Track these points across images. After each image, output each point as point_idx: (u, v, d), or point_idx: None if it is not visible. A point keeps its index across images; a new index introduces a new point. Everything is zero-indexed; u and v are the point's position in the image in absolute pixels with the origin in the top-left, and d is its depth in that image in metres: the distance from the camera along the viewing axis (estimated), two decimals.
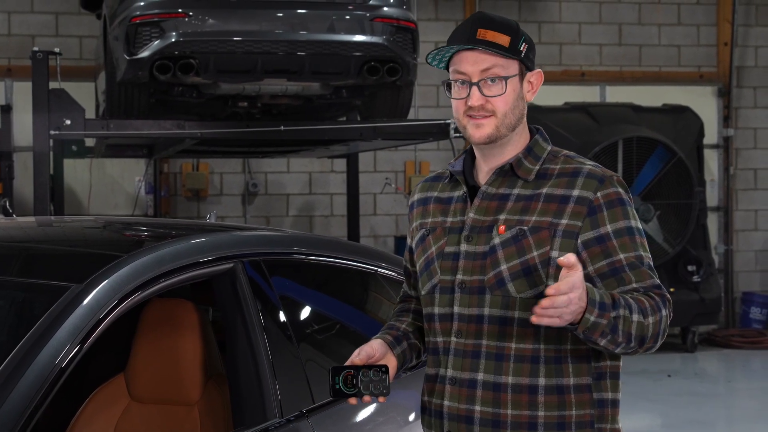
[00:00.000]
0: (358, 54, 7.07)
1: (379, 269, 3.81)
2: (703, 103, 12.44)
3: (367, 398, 2.62)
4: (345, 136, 8.06)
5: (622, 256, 2.57)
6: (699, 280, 11.12)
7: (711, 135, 12.36)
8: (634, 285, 2.56)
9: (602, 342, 2.48)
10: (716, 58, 12.67)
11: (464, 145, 10.44)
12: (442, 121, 7.86)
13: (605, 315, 2.44)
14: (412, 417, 3.53)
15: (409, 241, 2.89)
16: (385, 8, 7.17)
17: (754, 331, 12.12)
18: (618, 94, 12.35)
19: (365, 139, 8.01)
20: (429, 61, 2.70)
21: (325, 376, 2.69)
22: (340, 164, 11.20)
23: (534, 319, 2.41)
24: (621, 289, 2.56)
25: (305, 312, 3.62)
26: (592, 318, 2.43)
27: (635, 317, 2.48)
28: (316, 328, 3.62)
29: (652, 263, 2.62)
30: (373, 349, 2.69)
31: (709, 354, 11.50)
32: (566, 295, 2.36)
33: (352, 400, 2.62)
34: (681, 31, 12.64)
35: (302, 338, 3.42)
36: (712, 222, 12.43)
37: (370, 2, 7.15)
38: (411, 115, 8.55)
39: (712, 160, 12.59)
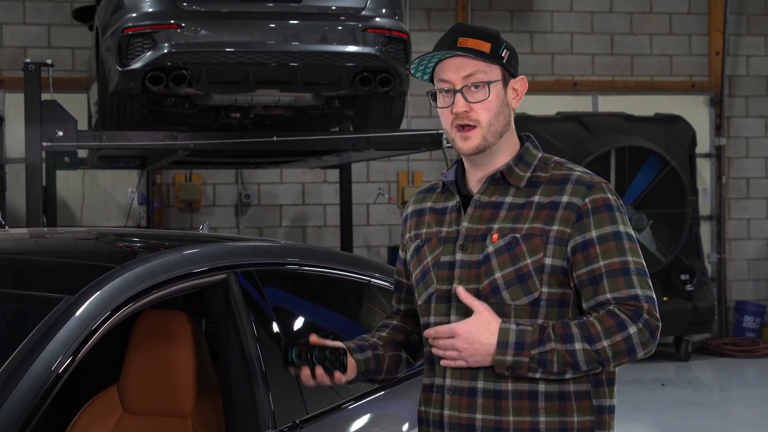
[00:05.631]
0: (350, 65, 7.07)
1: (372, 279, 3.81)
2: (696, 112, 12.46)
3: (319, 371, 2.64)
4: (338, 147, 8.05)
5: (602, 263, 2.59)
6: (692, 289, 11.11)
7: (703, 144, 12.38)
8: (608, 296, 2.58)
9: (537, 375, 2.55)
10: (708, 67, 12.70)
11: (457, 154, 10.45)
12: (435, 131, 7.86)
13: (524, 353, 2.52)
14: (405, 427, 3.52)
15: (402, 253, 2.91)
16: (378, 19, 7.17)
17: (748, 340, 12.13)
18: (610, 104, 12.38)
19: (358, 149, 8.01)
20: (411, 71, 2.74)
21: (317, 387, 2.69)
22: (333, 175, 11.20)
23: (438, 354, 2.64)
24: (595, 300, 2.59)
25: (298, 322, 3.62)
26: (508, 358, 2.53)
27: (578, 346, 2.53)
28: None
29: (643, 268, 2.63)
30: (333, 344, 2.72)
31: (703, 363, 11.50)
32: (448, 341, 2.57)
33: (305, 371, 2.64)
34: (673, 40, 12.67)
35: None
36: (705, 231, 12.44)
37: (363, 13, 7.15)
38: (403, 125, 8.55)
39: (704, 169, 12.61)
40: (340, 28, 7.12)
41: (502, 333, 2.53)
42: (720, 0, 12.57)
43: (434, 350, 2.62)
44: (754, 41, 12.85)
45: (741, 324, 12.41)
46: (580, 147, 10.90)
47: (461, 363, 2.57)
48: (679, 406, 9.17)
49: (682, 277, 11.13)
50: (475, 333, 2.53)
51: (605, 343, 2.54)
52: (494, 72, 2.66)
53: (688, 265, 11.18)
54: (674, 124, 11.70)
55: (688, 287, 11.11)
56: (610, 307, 2.57)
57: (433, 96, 2.73)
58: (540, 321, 2.59)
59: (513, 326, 2.55)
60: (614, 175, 10.80)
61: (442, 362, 2.63)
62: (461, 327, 2.55)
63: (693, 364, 11.36)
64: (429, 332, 2.63)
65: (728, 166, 12.73)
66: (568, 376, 2.57)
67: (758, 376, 11.00)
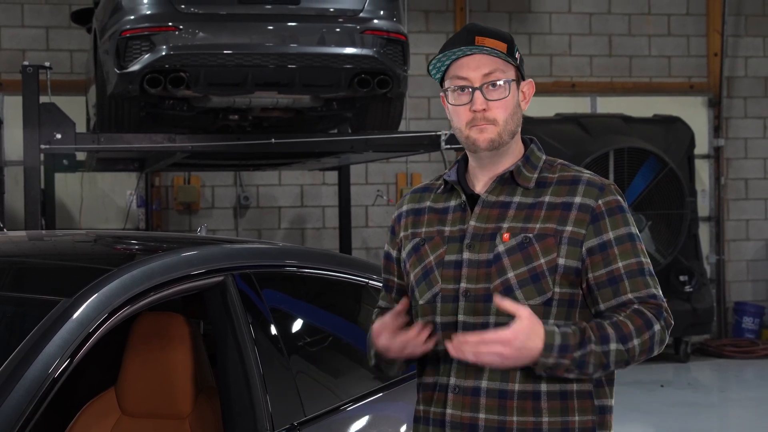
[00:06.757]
0: (348, 66, 7.07)
1: (370, 281, 3.81)
2: (694, 113, 12.46)
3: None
4: (336, 149, 8.05)
5: (621, 264, 2.62)
6: (691, 290, 11.12)
7: (702, 145, 12.38)
8: (630, 296, 2.61)
9: (571, 376, 2.56)
10: (706, 68, 12.70)
11: (455, 156, 10.45)
12: (433, 133, 7.87)
13: (567, 356, 2.52)
14: (403, 428, 3.52)
15: (393, 252, 2.87)
16: (376, 21, 7.18)
17: (747, 341, 12.13)
18: (609, 105, 12.38)
19: (356, 151, 8.01)
20: (431, 71, 2.71)
21: (315, 389, 2.69)
22: (332, 177, 11.20)
23: (452, 352, 2.53)
24: (617, 301, 2.61)
25: (296, 324, 3.62)
26: (550, 361, 2.52)
27: (613, 346, 2.55)
28: (307, 340, 3.61)
29: (651, 269, 2.68)
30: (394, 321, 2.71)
31: (702, 364, 11.50)
32: (493, 347, 2.48)
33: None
34: (671, 41, 12.67)
35: (293, 351, 3.41)
36: (704, 232, 12.44)
37: (361, 15, 7.15)
38: (402, 127, 8.55)
39: (703, 170, 12.61)
40: (338, 29, 7.12)
41: (548, 336, 2.50)
42: (718, 1, 12.57)
43: (468, 355, 2.51)
44: (753, 42, 12.85)
45: (740, 325, 12.41)
46: (579, 148, 10.90)
47: (497, 365, 2.53)
48: (679, 407, 9.17)
49: (681, 278, 11.13)
50: (526, 340, 2.48)
51: (635, 341, 2.56)
52: (511, 72, 2.67)
53: (687, 266, 11.19)
54: (673, 125, 11.71)
55: (687, 288, 11.11)
56: (636, 306, 2.60)
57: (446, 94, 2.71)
58: (551, 321, 2.59)
59: (556, 329, 2.53)
60: (613, 176, 10.79)
61: (452, 352, 2.54)
62: (512, 336, 2.48)
63: (692, 365, 11.36)
64: (470, 339, 2.50)
65: (727, 167, 12.73)
66: (596, 375, 2.59)
67: (757, 377, 11.00)
